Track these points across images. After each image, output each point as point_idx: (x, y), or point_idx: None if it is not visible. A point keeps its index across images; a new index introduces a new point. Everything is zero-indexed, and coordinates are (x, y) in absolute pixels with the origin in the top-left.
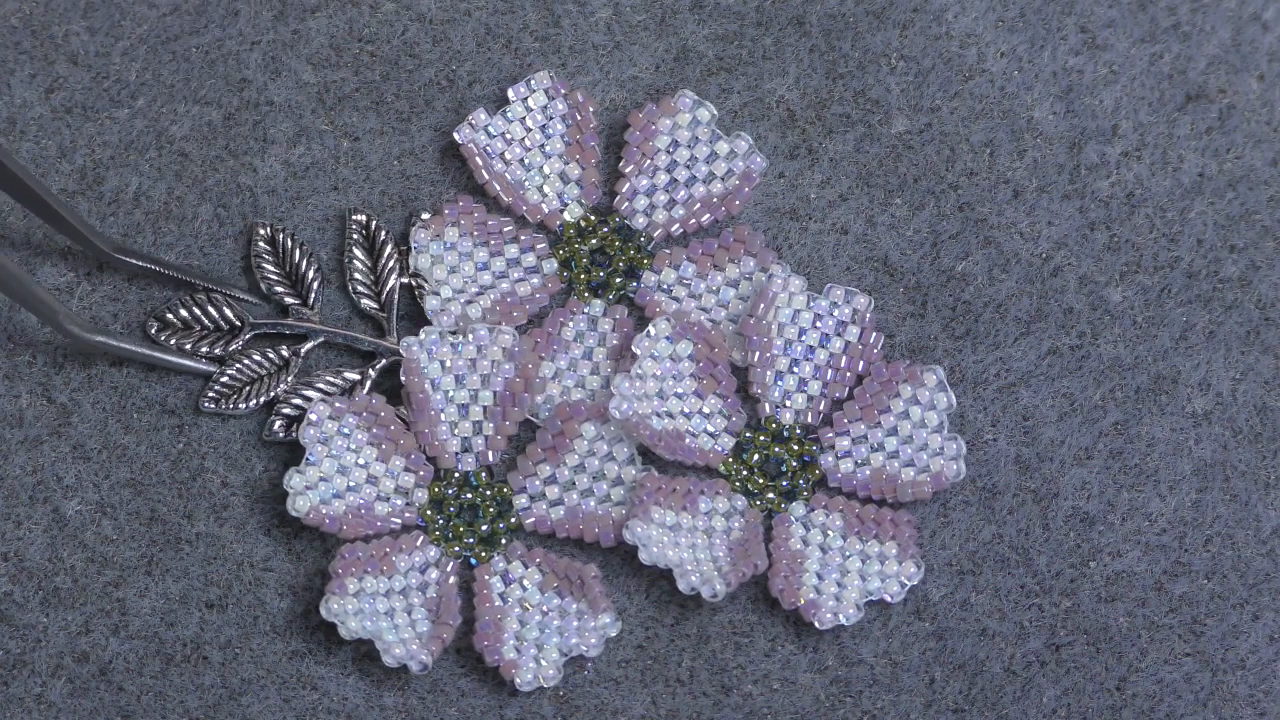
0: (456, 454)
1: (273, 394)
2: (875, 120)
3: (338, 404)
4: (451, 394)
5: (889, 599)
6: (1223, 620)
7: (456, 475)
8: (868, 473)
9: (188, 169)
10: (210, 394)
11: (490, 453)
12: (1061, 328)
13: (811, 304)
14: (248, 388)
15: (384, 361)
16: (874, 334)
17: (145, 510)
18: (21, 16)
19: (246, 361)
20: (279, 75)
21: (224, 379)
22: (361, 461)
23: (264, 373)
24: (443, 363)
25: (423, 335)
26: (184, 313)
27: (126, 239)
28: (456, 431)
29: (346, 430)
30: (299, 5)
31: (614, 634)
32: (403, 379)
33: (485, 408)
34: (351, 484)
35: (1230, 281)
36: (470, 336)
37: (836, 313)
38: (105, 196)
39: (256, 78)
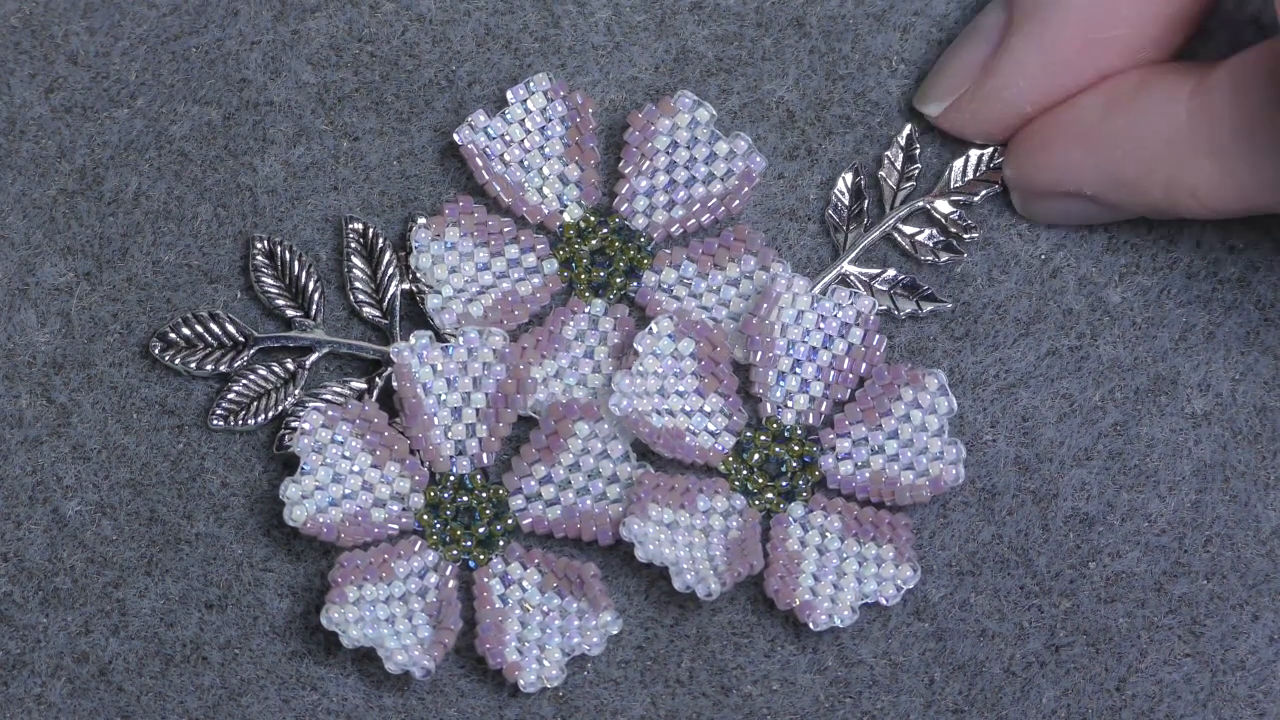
0: (451, 457)
1: (280, 407)
2: (875, 122)
3: (330, 412)
4: (444, 397)
5: (884, 602)
6: (1223, 621)
7: (452, 479)
8: (867, 475)
9: (188, 169)
10: (218, 410)
11: (485, 455)
12: (1061, 328)
13: (815, 305)
14: (255, 403)
15: (390, 369)
16: (876, 336)
17: (145, 510)
18: (21, 16)
19: (252, 377)
20: (279, 75)
21: (230, 395)
22: (356, 468)
23: (270, 387)
24: (434, 366)
25: (413, 340)
26: (186, 331)
27: (126, 239)
28: (450, 435)
29: (340, 438)
30: (299, 5)
31: (615, 632)
32: (394, 384)
33: (478, 410)
34: (347, 491)
35: (1230, 281)
36: (460, 339)
37: (840, 314)
38: (105, 196)
39: (256, 78)
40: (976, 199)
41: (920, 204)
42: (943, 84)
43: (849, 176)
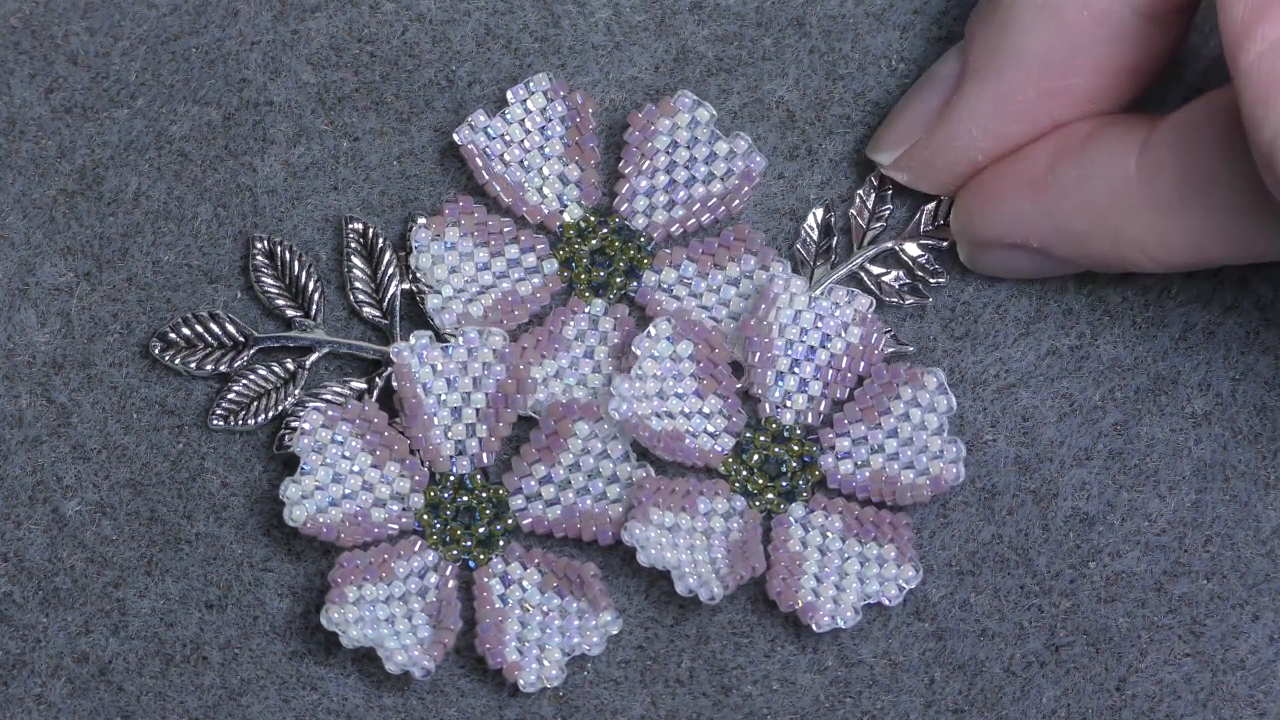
0: (451, 457)
1: (280, 407)
2: (875, 122)
3: (330, 412)
4: (444, 397)
5: (887, 602)
6: (1223, 620)
7: (452, 479)
8: (867, 474)
9: (187, 169)
10: (219, 410)
11: (485, 455)
12: (1061, 328)
13: (813, 305)
14: (255, 403)
15: (390, 369)
16: (875, 335)
17: (145, 510)
18: (21, 16)
19: (252, 377)
20: (279, 75)
21: (231, 395)
22: (356, 468)
23: (270, 387)
24: (434, 366)
25: (413, 340)
26: (186, 331)
27: (126, 239)
28: (450, 435)
29: (340, 438)
30: (299, 5)
31: (615, 632)
32: (394, 384)
33: (478, 410)
34: (347, 491)
35: (1230, 282)
36: (460, 339)
37: (838, 313)
38: (105, 196)
39: (256, 78)
40: (945, 244)
41: (889, 245)
42: (895, 132)
43: (819, 213)
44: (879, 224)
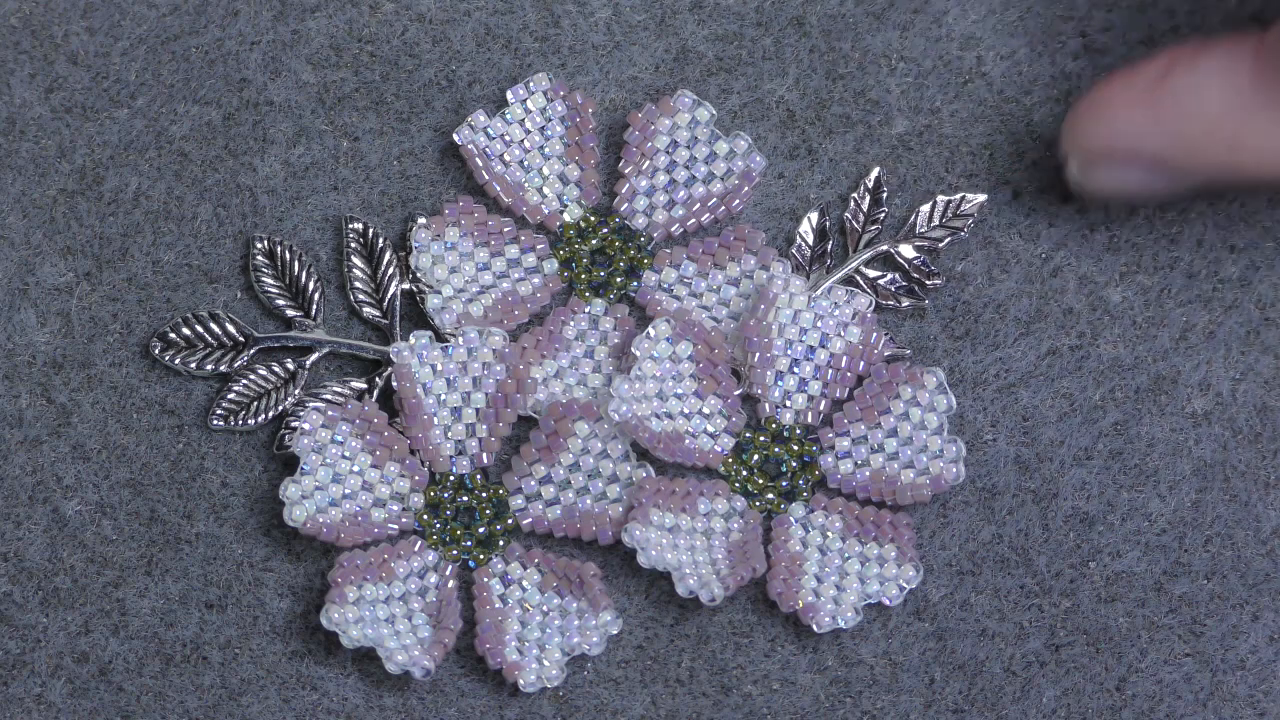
0: (451, 457)
1: (280, 407)
2: (875, 121)
3: (330, 412)
4: (444, 397)
5: (887, 602)
6: (1223, 620)
7: (452, 479)
8: (867, 474)
9: (187, 169)
10: (218, 410)
11: (485, 455)
12: (1061, 328)
13: (812, 304)
14: (255, 403)
15: (390, 369)
16: (874, 334)
17: (145, 510)
18: (21, 16)
19: (252, 377)
20: (279, 75)
21: (231, 395)
22: (356, 469)
23: (270, 387)
24: (434, 366)
25: (413, 340)
26: (186, 331)
27: (126, 239)
28: (450, 435)
29: (340, 438)
30: (299, 5)
31: (615, 631)
32: (394, 384)
33: (478, 410)
34: (347, 491)
35: (1230, 281)
36: (460, 339)
37: (837, 313)
38: (105, 196)
39: (256, 78)
40: (941, 245)
41: (884, 248)
42: None
43: (814, 217)
44: (874, 227)
